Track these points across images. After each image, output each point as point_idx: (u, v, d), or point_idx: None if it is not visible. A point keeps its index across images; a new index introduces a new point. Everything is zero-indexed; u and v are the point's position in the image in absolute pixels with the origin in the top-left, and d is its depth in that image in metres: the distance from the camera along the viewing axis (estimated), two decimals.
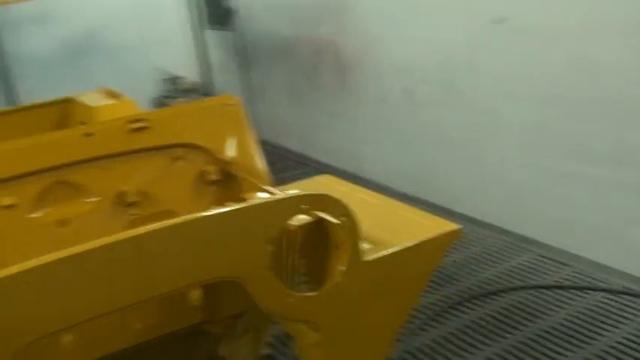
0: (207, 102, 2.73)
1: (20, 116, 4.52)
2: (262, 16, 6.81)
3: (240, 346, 2.86)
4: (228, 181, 2.63)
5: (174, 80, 8.11)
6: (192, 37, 8.15)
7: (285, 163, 6.58)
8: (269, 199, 1.90)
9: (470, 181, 4.83)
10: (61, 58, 7.74)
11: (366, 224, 2.20)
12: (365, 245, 2.08)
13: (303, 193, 1.89)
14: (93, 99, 4.47)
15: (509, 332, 3.51)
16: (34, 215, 2.35)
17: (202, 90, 8.30)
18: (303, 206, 1.84)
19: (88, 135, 2.46)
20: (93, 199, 2.45)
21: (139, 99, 5.61)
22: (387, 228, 2.20)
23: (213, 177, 2.59)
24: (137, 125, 2.53)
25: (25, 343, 1.58)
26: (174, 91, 8.08)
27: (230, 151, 2.65)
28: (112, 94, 4.48)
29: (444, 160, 5.02)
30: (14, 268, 1.51)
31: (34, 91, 7.36)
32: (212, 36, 7.88)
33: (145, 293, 1.68)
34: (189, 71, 8.34)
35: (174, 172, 2.57)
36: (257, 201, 1.88)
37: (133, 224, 2.48)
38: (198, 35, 8.05)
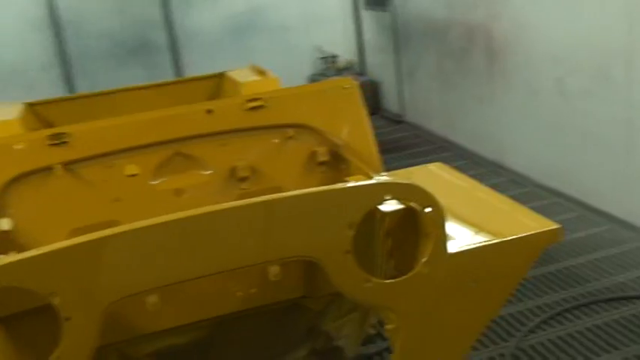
0: (324, 84, 2.79)
1: (180, 87, 4.89)
2: None
3: (346, 323, 2.92)
4: (337, 163, 2.69)
5: (329, 59, 8.28)
6: (350, 16, 8.25)
7: (428, 147, 6.52)
8: (352, 185, 1.92)
9: (616, 179, 4.52)
10: (225, 35, 8.17)
11: (464, 216, 2.17)
12: (471, 236, 2.05)
13: (388, 181, 1.90)
14: (242, 75, 4.71)
15: (634, 341, 3.29)
16: (153, 183, 2.55)
17: (356, 69, 8.40)
18: (387, 195, 1.85)
19: (209, 112, 2.62)
20: (207, 172, 2.61)
21: (295, 77, 5.83)
22: (484, 222, 2.15)
23: (323, 158, 2.66)
24: (254, 104, 2.65)
25: (128, 295, 1.72)
26: (329, 69, 8.25)
27: (342, 133, 2.69)
28: (259, 71, 4.69)
29: (590, 155, 4.74)
30: (140, 223, 1.66)
31: (198, 64, 7.87)
32: (368, 16, 7.92)
33: (220, 266, 1.78)
34: (344, 50, 8.47)
35: (285, 151, 2.67)
36: (340, 186, 1.91)
37: (241, 198, 2.61)
38: (355, 15, 8.13)
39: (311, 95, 2.74)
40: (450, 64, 6.31)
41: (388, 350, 3.42)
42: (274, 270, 1.87)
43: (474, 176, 2.52)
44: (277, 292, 2.62)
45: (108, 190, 2.50)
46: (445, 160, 5.52)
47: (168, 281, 1.75)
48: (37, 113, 4.57)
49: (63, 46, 7.61)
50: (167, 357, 2.60)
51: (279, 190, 2.65)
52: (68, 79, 7.71)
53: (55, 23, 7.52)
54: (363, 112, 2.74)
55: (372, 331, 3.30)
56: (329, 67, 8.27)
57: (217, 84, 4.90)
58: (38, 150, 2.43)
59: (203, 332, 2.59)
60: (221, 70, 4.82)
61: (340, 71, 8.30)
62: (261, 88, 4.28)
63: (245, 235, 1.75)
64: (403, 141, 6.84)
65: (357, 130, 2.71)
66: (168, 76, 7.80)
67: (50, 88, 7.35)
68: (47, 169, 2.44)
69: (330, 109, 2.72)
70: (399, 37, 7.23)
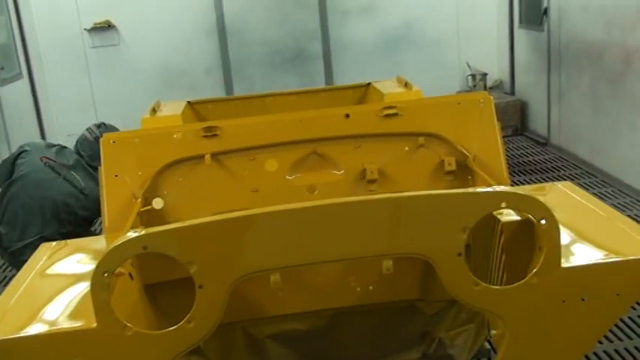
0: (458, 97, 2.88)
1: (328, 95, 5.16)
2: (574, 17, 6.59)
3: (461, 334, 2.97)
4: (464, 174, 2.77)
5: (478, 76, 8.25)
6: (504, 34, 8.17)
7: (572, 171, 6.34)
8: (470, 191, 2.01)
9: None
10: (378, 47, 8.39)
11: (584, 234, 2.19)
12: (588, 252, 2.07)
13: (505, 190, 1.96)
14: (386, 86, 4.89)
15: None
16: (289, 178, 2.76)
17: (504, 88, 8.30)
18: (502, 203, 1.91)
19: (347, 116, 2.79)
20: (340, 172, 2.79)
21: (443, 92, 5.91)
22: (603, 241, 2.15)
23: (450, 167, 2.75)
24: (390, 112, 2.79)
25: (250, 273, 1.91)
26: (477, 87, 8.22)
27: (472, 146, 2.77)
28: (404, 83, 4.84)
29: None
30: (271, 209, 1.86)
31: (349, 74, 8.14)
32: (522, 35, 7.82)
33: (342, 254, 1.93)
34: (495, 68, 8.42)
35: (415, 158, 2.78)
36: (459, 190, 2.00)
37: None
38: (510, 33, 8.05)
39: (445, 106, 2.84)
40: (603, 87, 6.10)
41: None
42: (387, 264, 1.99)
43: (617, 205, 2.45)
44: (393, 291, 2.73)
45: (248, 181, 2.74)
46: (588, 187, 5.37)
47: (294, 263, 1.93)
48: (196, 110, 5.00)
49: (225, 52, 8.17)
50: (286, 341, 2.80)
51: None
52: (227, 83, 8.25)
53: (222, 31, 8.09)
54: (495, 127, 2.80)
55: (487, 346, 3.32)
56: (477, 84, 8.24)
57: (363, 93, 5.10)
58: (193, 140, 2.72)
59: (322, 322, 2.76)
60: (369, 81, 5.04)
61: (488, 90, 8.25)
62: (402, 98, 4.43)
63: (369, 228, 1.89)
64: (547, 163, 6.69)
65: (487, 144, 2.77)
66: (320, 85, 8.13)
67: (210, 90, 7.92)
68: (198, 158, 2.72)
69: (463, 121, 2.80)
70: (551, 58, 7.08)
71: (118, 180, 2.67)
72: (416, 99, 3.36)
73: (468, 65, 8.35)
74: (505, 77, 8.37)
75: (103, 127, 4.67)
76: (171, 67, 8.18)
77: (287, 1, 8.24)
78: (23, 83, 7.46)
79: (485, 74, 8.28)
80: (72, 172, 4.43)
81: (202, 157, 2.71)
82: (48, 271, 2.35)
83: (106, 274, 1.83)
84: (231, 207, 2.69)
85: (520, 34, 7.87)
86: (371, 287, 2.70)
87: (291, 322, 2.75)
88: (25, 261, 4.30)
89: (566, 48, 6.75)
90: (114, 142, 2.73)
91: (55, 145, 4.70)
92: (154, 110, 4.47)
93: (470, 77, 8.31)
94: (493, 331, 2.05)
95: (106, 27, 7.95)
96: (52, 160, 4.46)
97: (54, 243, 2.60)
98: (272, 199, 2.71)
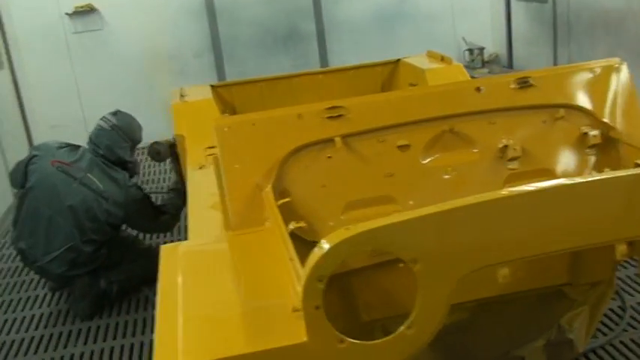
0: (593, 64, 2.68)
1: (355, 73, 4.91)
2: None
3: (577, 316, 2.81)
4: (606, 146, 2.58)
5: (476, 51, 8.10)
6: (500, 7, 8.05)
7: None
8: None
9: None
10: (372, 24, 8.12)
11: None
12: None
13: None
14: (421, 62, 4.66)
15: None
16: (423, 159, 2.52)
17: (502, 62, 8.19)
18: None
19: (477, 89, 2.56)
20: (477, 150, 2.55)
21: None
22: None
23: (595, 141, 2.55)
24: (524, 83, 2.57)
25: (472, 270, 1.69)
26: (475, 61, 8.08)
27: (613, 115, 2.58)
28: (439, 58, 4.62)
29: None
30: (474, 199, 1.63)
31: (343, 53, 7.88)
32: (521, 7, 7.70)
33: (581, 240, 1.72)
34: (491, 42, 8.29)
35: (554, 132, 2.58)
36: None
37: (510, 178, 2.55)
38: (506, 6, 7.92)
39: (580, 75, 2.64)
40: (626, 59, 6.01)
41: (603, 348, 3.28)
42: (622, 249, 1.79)
43: None
44: (543, 277, 2.54)
45: (381, 165, 2.48)
46: None
47: (528, 253, 1.74)
48: (220, 94, 4.69)
49: (216, 33, 7.75)
50: None
51: (548, 172, 2.58)
52: (218, 66, 7.85)
53: (210, 10, 7.67)
54: (634, 94, 2.62)
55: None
56: (475, 59, 8.10)
57: (392, 70, 4.88)
58: (317, 122, 2.44)
59: (465, 314, 2.53)
60: (366, 60, 4.88)
61: (485, 64, 8.13)
62: (446, 75, 4.21)
63: (607, 210, 1.69)
64: None
65: (628, 112, 2.59)
66: (314, 65, 7.83)
67: (201, 75, 7.50)
68: (325, 142, 2.44)
69: (600, 90, 2.61)
70: (557, 29, 6.97)
71: (239, 171, 2.37)
72: (549, 68, 3.15)
73: (464, 40, 8.20)
74: (502, 51, 8.25)
75: (119, 114, 4.29)
76: (158, 52, 7.72)
77: None
78: (4, 73, 6.92)
79: (483, 48, 8.14)
80: (88, 175, 4.02)
81: (330, 140, 2.43)
82: (196, 279, 2.04)
83: (320, 281, 1.57)
84: (366, 194, 2.45)
85: (519, 6, 7.74)
86: (520, 273, 2.49)
87: None
88: (57, 274, 3.98)
89: (576, 18, 6.64)
90: (228, 128, 2.42)
91: (66, 146, 4.25)
92: (181, 96, 4.17)
93: (467, 52, 8.15)
94: None
95: (89, 10, 7.43)
96: (64, 163, 4.03)
97: (177, 245, 2.28)
98: (409, 183, 2.47)
